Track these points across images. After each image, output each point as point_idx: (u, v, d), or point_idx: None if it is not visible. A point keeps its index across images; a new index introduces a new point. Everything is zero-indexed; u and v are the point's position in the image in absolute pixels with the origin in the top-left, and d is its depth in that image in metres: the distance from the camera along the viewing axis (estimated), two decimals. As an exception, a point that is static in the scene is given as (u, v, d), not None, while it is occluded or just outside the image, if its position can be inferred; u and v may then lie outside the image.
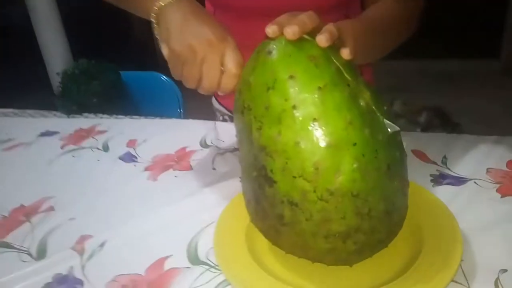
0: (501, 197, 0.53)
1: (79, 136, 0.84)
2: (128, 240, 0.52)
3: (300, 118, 0.37)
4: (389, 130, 0.39)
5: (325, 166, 0.37)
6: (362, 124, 0.37)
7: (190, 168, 0.68)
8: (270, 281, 0.42)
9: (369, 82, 0.42)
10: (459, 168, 0.60)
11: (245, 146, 0.43)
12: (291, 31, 0.38)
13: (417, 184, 0.53)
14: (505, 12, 2.86)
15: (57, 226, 0.56)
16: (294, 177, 0.38)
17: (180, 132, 0.80)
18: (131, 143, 0.78)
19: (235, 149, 0.71)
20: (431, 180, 0.58)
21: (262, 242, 0.46)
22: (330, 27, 0.40)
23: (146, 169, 0.69)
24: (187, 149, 0.74)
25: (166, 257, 0.48)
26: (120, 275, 0.47)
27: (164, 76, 1.14)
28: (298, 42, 0.39)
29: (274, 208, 0.41)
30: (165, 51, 0.46)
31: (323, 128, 0.37)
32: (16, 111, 1.00)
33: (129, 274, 0.47)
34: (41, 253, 0.52)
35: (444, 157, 0.63)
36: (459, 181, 0.57)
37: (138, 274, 0.47)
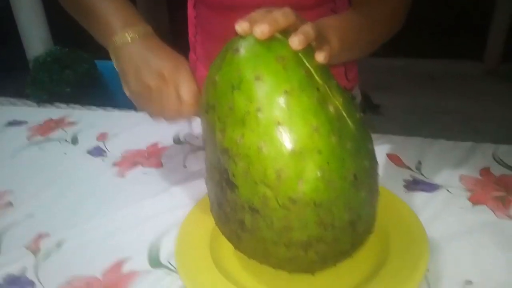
0: (472, 205, 0.53)
1: (48, 127, 0.81)
2: (87, 240, 0.50)
3: (264, 122, 0.36)
4: (359, 138, 0.38)
5: (287, 173, 0.35)
6: (329, 131, 0.36)
7: (160, 165, 0.66)
8: (229, 288, 0.41)
9: (343, 87, 0.40)
10: (432, 175, 0.59)
11: (210, 147, 0.41)
12: (259, 30, 0.36)
13: (388, 191, 0.52)
14: (491, 15, 2.89)
15: (13, 222, 0.54)
16: (256, 183, 0.36)
17: (153, 126, 0.77)
18: (102, 136, 0.76)
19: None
20: (404, 186, 0.57)
21: (226, 246, 0.45)
22: (307, 28, 0.37)
23: (115, 164, 0.67)
24: (160, 145, 0.72)
25: (125, 259, 0.47)
26: (74, 277, 0.45)
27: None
28: (268, 41, 0.37)
29: (235, 213, 0.39)
30: (125, 90, 0.48)
31: (288, 133, 0.35)
32: (-16, 97, 0.96)
33: (85, 276, 0.45)
34: (-5, 252, 0.49)
35: (419, 162, 0.62)
36: (431, 187, 0.56)
37: (94, 276, 0.45)
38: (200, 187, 0.58)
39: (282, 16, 0.37)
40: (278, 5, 0.64)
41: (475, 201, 0.53)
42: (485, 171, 0.59)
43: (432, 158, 0.63)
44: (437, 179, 0.58)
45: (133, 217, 0.54)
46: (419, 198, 0.54)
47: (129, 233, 0.51)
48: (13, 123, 0.84)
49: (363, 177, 0.38)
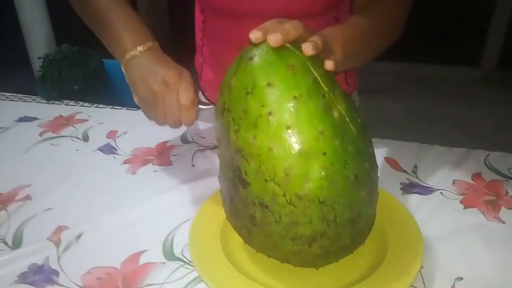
0: (464, 208, 0.56)
1: (59, 123, 0.84)
2: (104, 233, 0.53)
3: (275, 125, 0.39)
4: (360, 142, 0.41)
5: (295, 172, 0.39)
6: (333, 135, 0.39)
7: (169, 163, 0.69)
8: (240, 279, 0.44)
9: (346, 93, 0.43)
10: (427, 178, 0.62)
11: (224, 146, 0.44)
12: (274, 39, 0.39)
13: (387, 192, 0.55)
14: (489, 21, 2.93)
15: (33, 215, 0.57)
16: (266, 180, 0.40)
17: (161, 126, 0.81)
18: (112, 134, 0.79)
19: (215, 147, 0.73)
20: (401, 188, 0.60)
21: (236, 239, 0.48)
22: (315, 38, 0.41)
23: (126, 162, 0.70)
24: (168, 144, 0.75)
25: (142, 252, 0.50)
26: (95, 267, 0.48)
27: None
28: (280, 50, 0.41)
29: (246, 208, 0.43)
30: (134, 98, 0.53)
31: (296, 136, 0.39)
32: (-6, 93, 0.98)
33: (105, 267, 0.48)
34: (17, 242, 0.52)
35: (415, 166, 0.65)
36: (426, 190, 0.60)
37: (113, 267, 0.48)
38: (208, 185, 0.61)
39: (293, 28, 0.41)
40: (284, 13, 0.67)
41: (466, 204, 0.57)
42: (477, 176, 0.63)
43: (427, 163, 0.66)
44: (432, 183, 0.61)
45: (146, 212, 0.57)
46: (414, 200, 0.58)
47: (144, 227, 0.54)
48: (24, 119, 0.86)
49: (363, 178, 0.41)
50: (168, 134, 0.77)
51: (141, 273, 0.47)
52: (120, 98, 1.03)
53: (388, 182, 0.61)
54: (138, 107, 0.88)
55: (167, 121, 0.51)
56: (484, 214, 0.55)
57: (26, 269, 0.48)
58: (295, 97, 0.39)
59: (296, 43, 0.42)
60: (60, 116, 0.87)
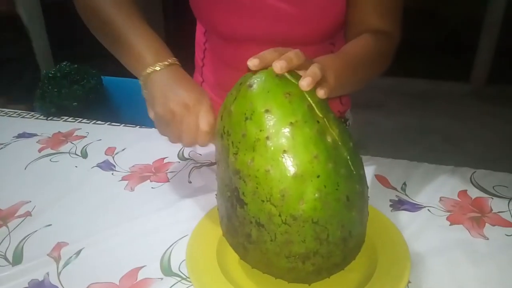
0: (450, 225, 0.59)
1: (58, 140, 0.86)
2: (103, 249, 0.55)
3: (272, 149, 0.41)
4: (351, 165, 0.44)
5: (290, 193, 0.41)
6: (326, 158, 0.41)
7: (167, 180, 0.71)
8: (236, 295, 0.46)
9: (339, 118, 0.46)
10: (416, 195, 0.65)
11: (222, 167, 0.47)
12: (279, 66, 0.42)
13: (377, 210, 0.58)
14: (478, 37, 3.00)
15: (33, 232, 0.58)
16: (263, 201, 0.42)
17: (158, 142, 0.82)
18: (110, 150, 0.81)
19: (212, 164, 0.75)
20: (390, 205, 0.63)
21: (232, 255, 0.50)
22: (315, 69, 0.43)
23: (124, 178, 0.71)
24: (165, 161, 0.77)
25: (140, 267, 0.51)
26: (94, 283, 0.49)
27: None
28: (277, 78, 0.43)
29: (243, 227, 0.45)
30: (150, 113, 0.53)
31: (291, 159, 0.41)
32: (-7, 109, 1.00)
33: (103, 282, 0.49)
34: (17, 259, 0.53)
35: (404, 183, 0.68)
36: (414, 207, 0.62)
37: (112, 283, 0.49)
38: (204, 202, 0.63)
39: (295, 56, 0.44)
40: (285, 39, 0.70)
41: (452, 221, 0.59)
42: (463, 193, 0.65)
43: (416, 180, 0.69)
44: (420, 200, 0.64)
45: (144, 229, 0.58)
46: (403, 217, 0.60)
47: (142, 243, 0.56)
48: (23, 135, 0.88)
49: (354, 199, 0.44)
50: (165, 150, 0.79)
51: (140, 289, 0.48)
52: (118, 115, 1.05)
53: (378, 198, 0.63)
54: (136, 124, 0.92)
55: (181, 141, 0.52)
56: (469, 231, 0.57)
57: (27, 285, 0.49)
58: (291, 123, 0.42)
59: (294, 71, 0.44)
60: (59, 132, 0.89)
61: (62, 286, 0.49)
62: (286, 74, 0.44)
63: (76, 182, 0.71)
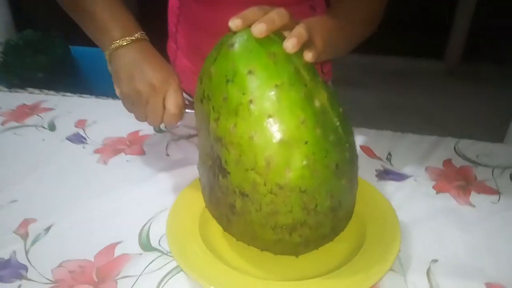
0: (436, 193, 0.58)
1: (22, 112, 0.80)
2: (75, 225, 0.51)
3: (256, 113, 0.38)
4: (341, 131, 0.41)
5: (276, 161, 0.38)
6: (314, 124, 0.39)
7: (142, 153, 0.67)
8: (221, 268, 0.43)
9: (327, 83, 0.43)
10: (401, 165, 0.64)
11: (203, 134, 0.43)
12: (257, 30, 0.38)
13: (364, 180, 0.56)
14: (453, 15, 3.02)
15: (-3, 208, 0.54)
16: (247, 169, 0.39)
17: (132, 115, 0.78)
18: (80, 123, 0.76)
19: (190, 136, 0.71)
20: (376, 175, 0.61)
21: (215, 228, 0.48)
22: (300, 29, 0.40)
23: (96, 151, 0.67)
24: (140, 133, 0.72)
25: (117, 243, 0.48)
26: (67, 260, 0.46)
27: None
28: (261, 38, 0.40)
29: (226, 197, 0.42)
30: (116, 90, 0.51)
31: (277, 125, 0.38)
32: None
33: (77, 259, 0.46)
34: (-19, 237, 0.49)
35: (389, 154, 0.66)
36: (400, 177, 0.61)
37: (86, 259, 0.46)
38: (183, 175, 0.60)
39: (278, 17, 0.40)
40: (260, 2, 0.66)
41: (439, 189, 0.58)
42: (448, 163, 0.64)
43: (401, 151, 0.67)
44: (406, 170, 0.63)
45: (119, 203, 0.55)
46: (389, 187, 0.59)
47: (117, 218, 0.52)
48: (-16, 108, 0.81)
49: (344, 167, 0.41)
50: (140, 123, 0.74)
51: (117, 265, 0.45)
52: (88, 87, 0.99)
53: (364, 169, 0.60)
54: (108, 96, 0.86)
55: (147, 120, 0.50)
56: (455, 199, 0.57)
57: (-8, 265, 0.45)
58: (276, 85, 0.38)
59: (279, 31, 0.41)
60: (24, 104, 0.83)
61: (31, 265, 0.45)
62: (270, 34, 0.41)
63: (44, 156, 0.66)
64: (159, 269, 0.45)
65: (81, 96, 0.87)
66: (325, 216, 0.41)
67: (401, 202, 0.55)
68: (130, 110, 0.52)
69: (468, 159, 0.65)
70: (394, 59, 3.19)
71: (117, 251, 0.47)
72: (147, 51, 0.50)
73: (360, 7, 0.57)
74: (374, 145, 0.69)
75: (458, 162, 0.65)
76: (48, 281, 0.44)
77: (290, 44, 0.39)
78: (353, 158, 0.44)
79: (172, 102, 0.48)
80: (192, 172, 0.59)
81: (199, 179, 0.48)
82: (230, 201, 0.42)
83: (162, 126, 0.74)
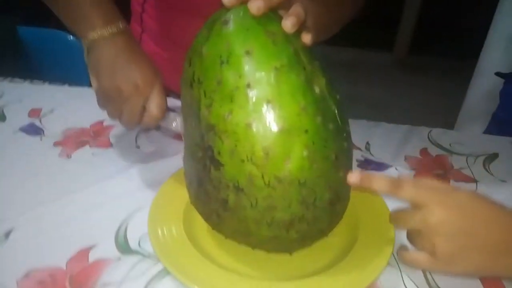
0: (418, 182, 0.58)
1: (-36, 100, 0.70)
2: (40, 228, 0.45)
3: (254, 99, 0.35)
4: (339, 120, 0.39)
5: (275, 151, 0.35)
6: (315, 111, 0.36)
7: (109, 145, 0.61)
8: (212, 269, 0.40)
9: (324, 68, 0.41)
10: (380, 155, 0.63)
11: (192, 122, 0.39)
12: (255, 7, 0.35)
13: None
14: (402, 9, 3.14)
15: None
16: (242, 160, 0.36)
17: (94, 103, 0.71)
18: (34, 112, 0.68)
19: (160, 127, 0.66)
20: (358, 165, 0.60)
21: (200, 225, 0.44)
22: (298, 9, 0.37)
23: (56, 144, 0.60)
24: (105, 123, 0.66)
25: (90, 247, 0.43)
26: (34, 269, 0.40)
27: (72, 36, 1.00)
28: (258, 15, 0.36)
29: (218, 192, 0.39)
30: (93, 83, 0.48)
31: (277, 111, 0.35)
32: None
33: (46, 267, 0.40)
34: None
35: (367, 143, 0.66)
36: (381, 166, 0.60)
37: (57, 267, 0.40)
38: (157, 169, 0.56)
39: None
40: None
41: (419, 178, 0.58)
42: (424, 151, 0.65)
43: (378, 140, 0.67)
44: (385, 159, 0.62)
45: (88, 202, 0.50)
46: (372, 177, 0.58)
47: (88, 219, 0.47)
48: None
49: (342, 157, 0.39)
50: (103, 112, 0.68)
51: (93, 272, 0.40)
52: (39, 73, 0.90)
53: (345, 159, 0.60)
54: (62, 83, 0.78)
55: (121, 119, 0.47)
56: (437, 188, 0.57)
57: None
58: (276, 68, 0.35)
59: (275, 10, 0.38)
60: (-35, 91, 0.73)
61: (-9, 277, 0.39)
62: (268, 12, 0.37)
63: (-6, 149, 0.58)
64: (142, 274, 0.41)
65: (32, 83, 0.79)
66: (323, 210, 0.39)
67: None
68: (103, 105, 0.48)
69: (442, 148, 0.66)
70: (344, 50, 3.26)
71: (92, 256, 0.42)
72: (132, 46, 0.47)
73: None
74: (352, 135, 0.68)
75: (433, 151, 0.65)
76: (13, 293, 0.38)
77: (289, 22, 0.36)
78: (350, 148, 0.42)
79: (155, 104, 0.46)
80: (167, 165, 0.55)
81: (184, 173, 0.44)
82: (222, 196, 0.38)
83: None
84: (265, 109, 0.35)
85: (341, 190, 0.41)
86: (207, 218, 0.42)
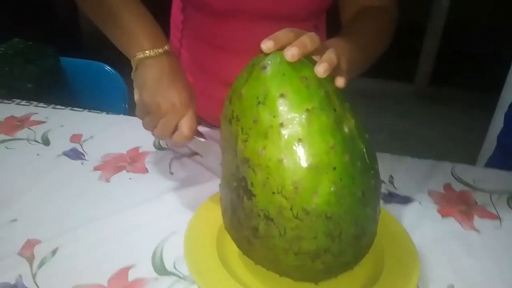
0: (442, 217, 0.59)
1: (12, 125, 0.76)
2: (83, 247, 0.49)
3: (286, 137, 0.38)
4: (367, 158, 0.42)
5: (304, 186, 0.38)
6: (343, 150, 0.39)
7: (145, 170, 0.65)
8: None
9: (354, 109, 0.43)
10: (404, 188, 0.65)
11: (229, 155, 0.43)
12: (290, 54, 0.39)
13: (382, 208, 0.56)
14: (423, 39, 3.16)
15: (-4, 228, 0.51)
16: (273, 193, 0.39)
17: (130, 130, 0.76)
18: (76, 138, 0.73)
19: (192, 154, 0.70)
20: (382, 198, 0.62)
21: (232, 250, 0.47)
22: (331, 54, 0.41)
23: (96, 168, 0.65)
24: (140, 150, 0.71)
25: (130, 267, 0.46)
26: (78, 285, 0.43)
27: (108, 67, 1.07)
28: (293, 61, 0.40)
29: (249, 220, 0.41)
30: (136, 96, 0.52)
31: (307, 149, 0.38)
32: None
33: (90, 284, 0.44)
34: (-19, 259, 0.46)
35: (391, 176, 0.68)
36: (405, 200, 0.62)
37: (100, 284, 0.44)
38: (190, 195, 0.59)
39: (310, 41, 0.40)
40: (271, 14, 0.67)
41: (444, 213, 0.60)
42: (448, 187, 0.66)
43: (401, 173, 0.68)
44: (409, 193, 0.64)
45: (127, 224, 0.53)
46: (395, 209, 0.59)
47: (127, 239, 0.50)
48: (-31, 118, 0.77)
49: (369, 194, 0.41)
50: (139, 139, 0.72)
51: (133, 291, 0.43)
52: (78, 100, 0.96)
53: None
54: (100, 111, 0.84)
55: (154, 132, 0.51)
56: (460, 224, 0.58)
57: (-4, 290, 0.42)
58: (307, 109, 0.39)
59: (309, 55, 0.41)
60: (12, 116, 0.79)
61: (39, 290, 0.43)
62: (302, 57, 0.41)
63: (40, 171, 0.63)
64: (178, 294, 0.43)
65: (72, 109, 0.84)
66: (348, 244, 0.41)
67: (409, 226, 0.55)
68: (141, 117, 0.53)
69: (466, 184, 0.67)
70: (365, 80, 3.29)
71: (131, 276, 0.45)
72: (175, 68, 0.52)
73: (376, 23, 0.59)
74: (376, 168, 0.70)
75: (457, 186, 0.67)
76: (59, 307, 0.41)
77: (321, 68, 0.39)
78: (378, 185, 0.44)
79: (187, 126, 0.50)
80: (199, 192, 0.59)
81: (220, 200, 0.47)
82: (253, 224, 0.41)
83: (162, 142, 0.73)
84: (295, 146, 0.38)
85: (367, 225, 0.42)
86: (238, 244, 0.45)
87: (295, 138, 0.38)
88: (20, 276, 0.44)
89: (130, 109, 1.05)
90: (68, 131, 0.75)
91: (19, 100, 0.86)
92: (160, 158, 0.68)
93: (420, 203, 0.62)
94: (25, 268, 0.45)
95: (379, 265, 0.47)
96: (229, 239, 0.46)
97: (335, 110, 0.40)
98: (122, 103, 1.04)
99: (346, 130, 0.40)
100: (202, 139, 0.54)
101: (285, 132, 0.38)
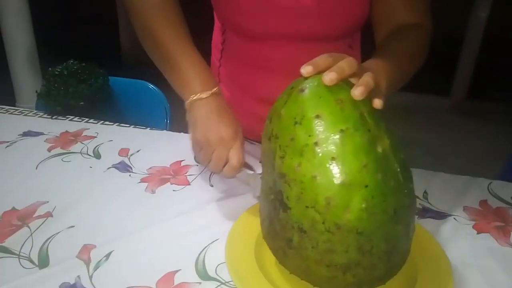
0: (477, 233, 0.59)
1: (66, 139, 0.83)
2: (133, 252, 0.53)
3: (320, 155, 0.41)
4: (401, 177, 0.43)
5: (336, 201, 0.40)
6: (376, 168, 0.41)
7: (187, 183, 0.69)
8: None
9: (392, 130, 0.45)
10: (439, 204, 0.65)
11: (268, 169, 0.46)
12: (328, 79, 0.41)
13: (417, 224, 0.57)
14: (459, 54, 3.09)
15: (57, 233, 0.56)
16: (307, 207, 0.41)
17: (172, 145, 0.81)
18: (123, 152, 0.79)
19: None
20: (416, 213, 0.63)
21: (269, 258, 0.49)
22: (367, 78, 0.43)
23: (143, 180, 0.70)
24: (182, 163, 0.75)
25: (175, 271, 0.50)
26: (130, 286, 0.47)
27: (151, 85, 1.14)
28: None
29: (285, 231, 0.44)
30: (190, 135, 0.58)
31: (340, 167, 0.40)
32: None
33: (140, 286, 0.48)
34: (43, 261, 0.51)
35: (425, 192, 0.68)
36: (440, 215, 0.63)
37: (149, 286, 0.48)
38: (229, 206, 0.63)
39: (348, 66, 0.43)
40: (305, 36, 0.70)
41: (479, 229, 0.60)
42: (484, 203, 0.66)
43: (436, 189, 0.69)
44: (444, 208, 0.64)
45: (172, 232, 0.57)
46: (430, 225, 0.60)
47: (172, 247, 0.54)
48: (29, 134, 0.85)
49: (402, 212, 0.43)
50: (181, 153, 0.77)
51: (178, 294, 0.47)
52: (124, 116, 1.02)
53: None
54: (145, 126, 0.90)
55: (209, 165, 0.56)
56: (496, 240, 0.58)
57: (58, 288, 0.47)
58: (342, 130, 0.41)
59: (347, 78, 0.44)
60: (67, 132, 0.86)
61: (96, 289, 0.47)
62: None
63: (93, 182, 0.69)
64: (221, 298, 0.47)
65: (119, 125, 0.91)
66: (379, 259, 0.43)
67: (444, 241, 0.56)
68: (196, 153, 0.58)
69: (502, 200, 0.67)
70: (401, 95, 3.24)
71: (177, 279, 0.49)
72: (222, 106, 0.58)
73: (412, 41, 0.61)
74: (410, 183, 0.70)
75: (493, 202, 0.66)
76: (113, 306, 0.45)
77: (358, 92, 0.41)
78: (412, 204, 0.45)
79: (235, 157, 0.54)
80: (237, 203, 0.62)
81: (259, 211, 0.50)
82: (288, 235, 0.44)
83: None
84: (329, 164, 0.40)
85: (399, 243, 0.44)
86: (275, 253, 0.48)
87: (329, 157, 0.41)
88: (79, 277, 0.49)
89: (171, 125, 1.11)
90: (117, 146, 0.81)
91: (72, 117, 0.94)
92: (201, 171, 0.73)
93: (455, 219, 0.62)
94: (83, 270, 0.50)
95: (412, 281, 0.48)
96: (267, 248, 0.49)
97: (369, 130, 0.42)
98: (164, 118, 1.10)
99: (379, 150, 0.42)
100: (250, 171, 0.58)
101: (319, 150, 0.41)
